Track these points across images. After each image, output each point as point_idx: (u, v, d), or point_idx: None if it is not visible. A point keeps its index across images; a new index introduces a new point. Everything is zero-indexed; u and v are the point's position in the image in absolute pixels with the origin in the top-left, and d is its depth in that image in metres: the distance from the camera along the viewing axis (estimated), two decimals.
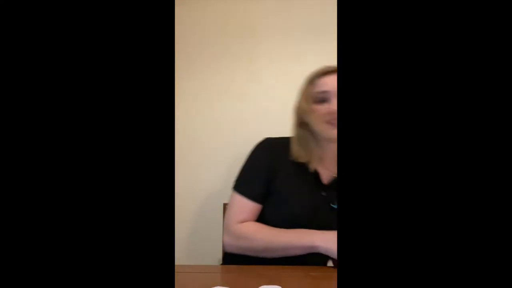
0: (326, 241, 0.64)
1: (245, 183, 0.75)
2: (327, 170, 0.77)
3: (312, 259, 0.80)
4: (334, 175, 0.76)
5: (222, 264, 0.82)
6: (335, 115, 0.70)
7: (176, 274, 0.63)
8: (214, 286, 0.56)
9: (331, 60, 1.19)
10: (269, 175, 0.74)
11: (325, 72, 0.76)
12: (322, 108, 0.73)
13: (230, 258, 0.79)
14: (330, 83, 0.74)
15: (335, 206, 0.72)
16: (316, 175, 0.75)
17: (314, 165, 0.74)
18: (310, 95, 0.76)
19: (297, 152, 0.75)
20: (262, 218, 0.74)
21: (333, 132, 0.71)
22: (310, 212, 0.72)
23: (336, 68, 0.75)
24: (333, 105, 0.71)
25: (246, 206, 0.72)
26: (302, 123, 0.76)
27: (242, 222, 0.72)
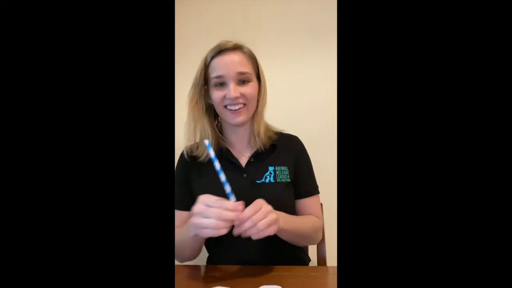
0: (192, 226, 0.56)
1: (175, 198, 0.78)
2: (242, 155, 0.78)
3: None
4: (248, 157, 0.77)
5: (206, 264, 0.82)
6: (234, 101, 0.69)
7: (176, 274, 0.63)
8: (214, 286, 0.56)
9: (331, 61, 1.20)
10: (189, 181, 0.77)
11: (219, 51, 0.71)
12: (221, 93, 0.71)
13: (211, 259, 0.80)
14: (225, 66, 0.70)
15: (260, 181, 0.74)
16: (232, 161, 0.76)
17: (227, 153, 0.76)
18: (206, 79, 0.73)
19: (195, 144, 0.75)
20: None
21: (236, 119, 0.71)
22: (238, 196, 0.70)
23: (233, 45, 0.72)
24: (231, 90, 0.69)
25: (178, 217, 0.76)
26: (194, 112, 0.74)
27: None
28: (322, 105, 1.20)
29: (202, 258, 0.78)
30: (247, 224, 0.54)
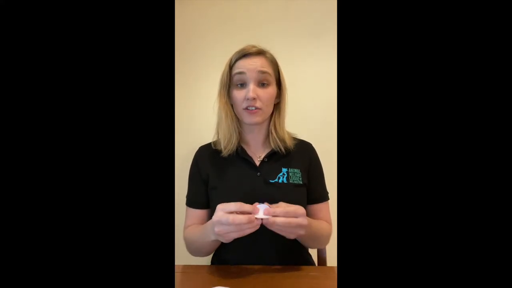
0: (214, 233, 0.59)
1: (187, 195, 0.83)
2: (256, 155, 0.81)
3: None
4: (260, 157, 0.80)
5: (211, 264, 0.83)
6: (252, 102, 0.73)
7: (176, 274, 0.63)
8: (214, 286, 0.56)
9: (331, 60, 1.20)
10: (204, 179, 0.80)
11: (243, 55, 0.76)
12: (241, 93, 0.74)
13: (216, 259, 0.81)
14: (247, 65, 0.74)
15: (273, 181, 0.76)
16: (246, 160, 0.79)
17: (242, 151, 0.79)
18: (230, 79, 0.77)
19: (218, 140, 0.80)
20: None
21: (252, 119, 0.74)
22: (251, 194, 0.74)
23: (257, 50, 0.76)
24: (250, 90, 0.72)
25: (191, 214, 0.81)
26: (223, 110, 0.78)
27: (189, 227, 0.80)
28: (322, 105, 1.20)
29: (196, 258, 0.79)
30: (279, 220, 0.56)
